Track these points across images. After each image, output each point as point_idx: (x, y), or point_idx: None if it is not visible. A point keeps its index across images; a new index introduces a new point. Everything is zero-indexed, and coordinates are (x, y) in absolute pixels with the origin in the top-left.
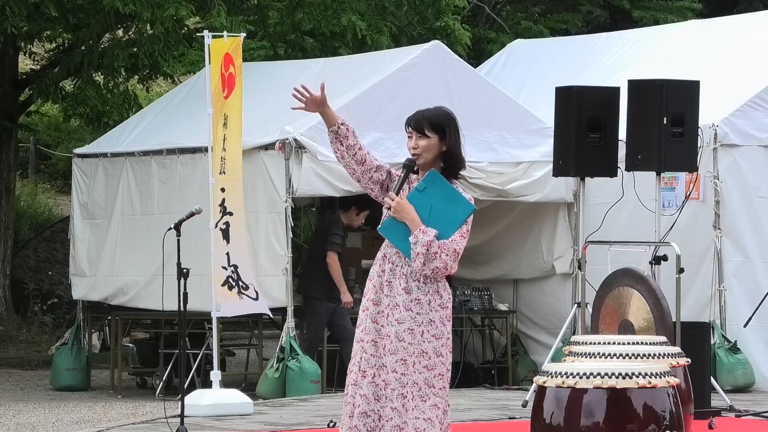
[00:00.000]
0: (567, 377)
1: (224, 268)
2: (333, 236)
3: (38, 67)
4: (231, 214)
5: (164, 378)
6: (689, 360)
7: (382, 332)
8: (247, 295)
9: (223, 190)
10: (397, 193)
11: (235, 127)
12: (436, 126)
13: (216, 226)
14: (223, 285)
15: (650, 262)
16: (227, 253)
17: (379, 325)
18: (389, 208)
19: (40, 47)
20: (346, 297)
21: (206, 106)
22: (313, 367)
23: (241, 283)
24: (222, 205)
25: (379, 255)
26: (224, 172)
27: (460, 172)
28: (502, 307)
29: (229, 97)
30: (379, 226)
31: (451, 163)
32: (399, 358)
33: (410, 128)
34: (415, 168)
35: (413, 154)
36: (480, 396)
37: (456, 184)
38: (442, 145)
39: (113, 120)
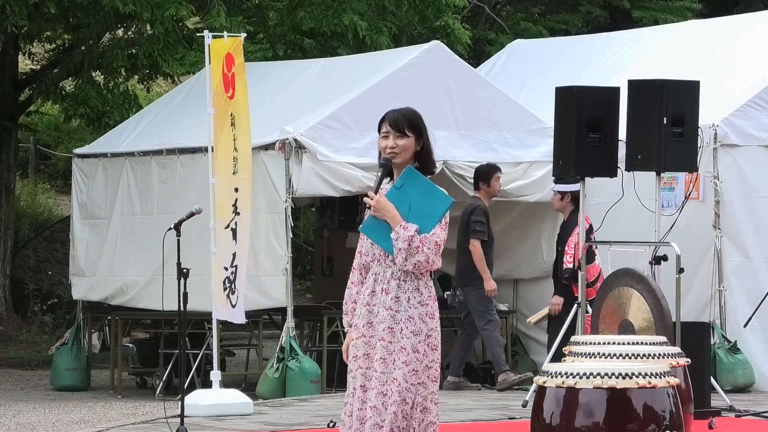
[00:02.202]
0: (567, 377)
1: (226, 269)
2: (474, 224)
3: (38, 67)
4: (239, 214)
5: (164, 378)
6: (689, 360)
7: (371, 342)
8: (229, 300)
9: (236, 190)
10: (376, 192)
11: (243, 127)
12: (414, 126)
13: (228, 226)
14: (225, 287)
15: (650, 262)
16: (233, 254)
17: (367, 336)
18: (369, 208)
19: (40, 47)
20: (490, 284)
21: (206, 106)
22: (313, 367)
23: (233, 286)
24: (235, 205)
25: (369, 279)
26: (236, 173)
27: (434, 172)
28: (502, 307)
29: (234, 97)
30: (360, 226)
31: (426, 162)
32: (379, 357)
33: (388, 127)
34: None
35: (390, 154)
36: (480, 396)
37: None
38: (418, 145)
39: (113, 120)
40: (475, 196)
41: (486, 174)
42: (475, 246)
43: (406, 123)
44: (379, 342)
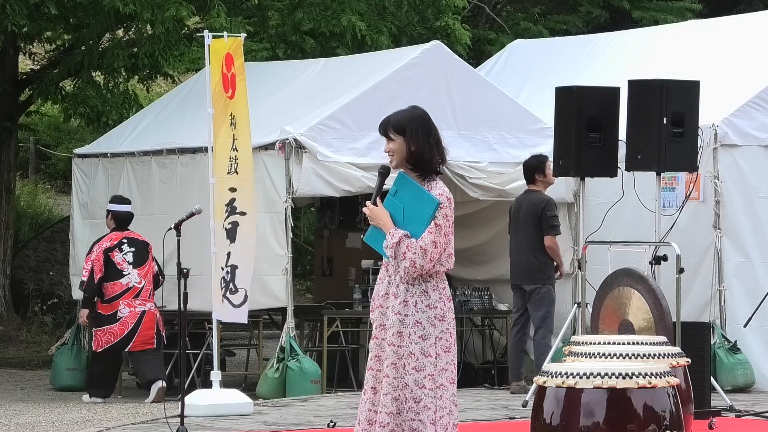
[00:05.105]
0: (567, 377)
1: (222, 268)
2: (551, 219)
3: (38, 67)
4: (243, 213)
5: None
6: (689, 360)
7: (382, 345)
8: (229, 300)
9: (233, 189)
10: (374, 201)
11: (243, 127)
12: (398, 127)
13: (222, 226)
14: (222, 287)
15: (650, 262)
16: (228, 253)
17: (379, 338)
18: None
19: (40, 47)
20: (564, 268)
21: (206, 106)
22: (313, 367)
23: (231, 286)
24: (230, 204)
25: (384, 281)
26: (237, 172)
27: (439, 169)
28: (502, 307)
29: (234, 97)
30: (364, 236)
31: (413, 162)
32: (390, 362)
33: (380, 133)
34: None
35: (390, 158)
36: (480, 396)
37: (435, 180)
38: (411, 145)
39: (113, 120)
40: (535, 190)
41: (539, 165)
42: (553, 242)
43: (390, 126)
44: (389, 347)
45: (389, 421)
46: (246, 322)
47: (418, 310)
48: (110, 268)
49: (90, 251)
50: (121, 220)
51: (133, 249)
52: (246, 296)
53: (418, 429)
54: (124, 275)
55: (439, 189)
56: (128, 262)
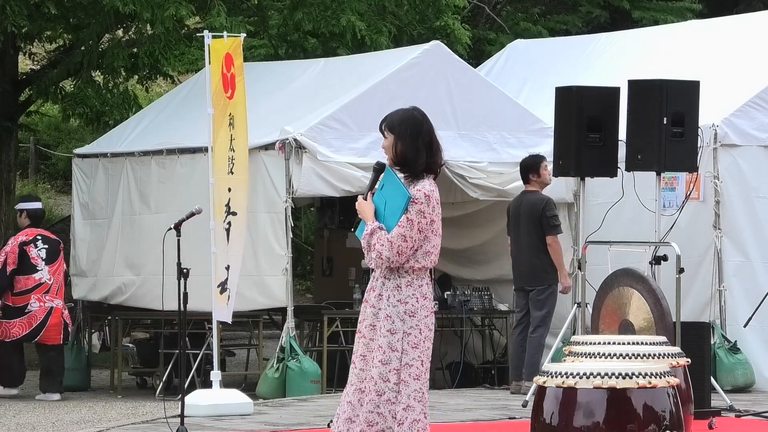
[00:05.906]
0: (567, 377)
1: (225, 269)
2: (551, 219)
3: (38, 67)
4: (234, 214)
5: (164, 378)
6: (689, 360)
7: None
8: (220, 300)
9: (230, 190)
10: (366, 196)
11: (241, 128)
12: (390, 126)
13: (221, 225)
14: (218, 286)
15: (650, 262)
16: (225, 253)
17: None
18: None
19: (40, 47)
20: (567, 281)
21: (206, 106)
22: (313, 367)
23: (225, 286)
24: (228, 205)
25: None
26: (232, 173)
27: (438, 171)
28: (502, 307)
29: (234, 97)
30: (356, 230)
31: (398, 162)
32: (360, 354)
33: (379, 129)
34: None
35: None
36: (480, 396)
37: (423, 179)
38: (397, 145)
39: (113, 120)
40: (532, 190)
41: (534, 165)
42: (555, 241)
43: (384, 124)
44: (362, 339)
45: (346, 410)
46: (230, 321)
47: (390, 304)
48: (25, 261)
49: (5, 244)
50: (36, 218)
51: (46, 246)
52: (229, 296)
53: (375, 422)
54: (37, 270)
55: (420, 185)
56: (42, 258)
